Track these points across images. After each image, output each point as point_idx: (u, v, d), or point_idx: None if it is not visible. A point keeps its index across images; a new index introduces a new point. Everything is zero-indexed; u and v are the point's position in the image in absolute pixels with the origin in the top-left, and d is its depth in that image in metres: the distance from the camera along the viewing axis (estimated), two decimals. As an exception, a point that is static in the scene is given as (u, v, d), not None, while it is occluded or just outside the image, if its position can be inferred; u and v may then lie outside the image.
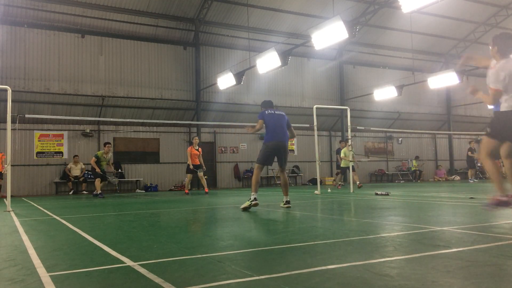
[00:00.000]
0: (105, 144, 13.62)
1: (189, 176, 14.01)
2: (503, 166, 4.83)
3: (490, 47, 4.66)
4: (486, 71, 4.62)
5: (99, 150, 15.82)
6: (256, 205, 6.85)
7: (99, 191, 12.97)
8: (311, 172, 21.61)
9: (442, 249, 3.26)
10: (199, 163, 13.79)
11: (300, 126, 19.92)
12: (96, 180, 13.18)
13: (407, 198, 9.29)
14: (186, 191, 13.96)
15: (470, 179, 19.25)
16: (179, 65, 19.22)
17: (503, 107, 4.39)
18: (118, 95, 17.82)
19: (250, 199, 6.90)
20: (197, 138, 14.43)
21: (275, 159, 7.31)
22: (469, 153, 19.54)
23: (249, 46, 18.47)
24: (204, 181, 14.00)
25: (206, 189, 13.90)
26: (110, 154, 13.87)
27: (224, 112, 19.79)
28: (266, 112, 7.27)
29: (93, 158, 13.33)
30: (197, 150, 13.82)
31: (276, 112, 7.32)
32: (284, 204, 7.24)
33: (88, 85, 17.35)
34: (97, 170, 13.11)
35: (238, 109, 20.17)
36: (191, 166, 13.64)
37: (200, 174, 13.80)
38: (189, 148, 14.01)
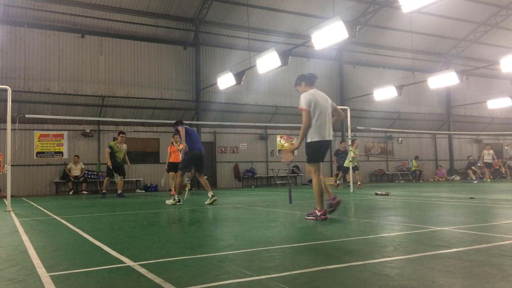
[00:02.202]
0: (119, 133, 12.78)
1: (173, 174, 12.95)
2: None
3: (297, 88, 5.76)
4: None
5: (106, 147, 14.97)
6: (179, 205, 8.39)
7: (104, 191, 12.92)
8: (311, 172, 21.57)
9: (442, 249, 3.26)
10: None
11: (300, 126, 19.94)
12: (106, 179, 13.03)
13: (407, 198, 9.29)
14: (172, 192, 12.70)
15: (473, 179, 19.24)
16: (179, 65, 19.21)
17: (309, 138, 5.52)
18: (118, 95, 17.82)
19: (175, 199, 8.59)
20: (176, 135, 12.90)
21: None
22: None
23: (249, 46, 18.47)
24: (173, 182, 12.68)
25: (172, 191, 12.46)
26: (125, 146, 12.88)
27: (224, 112, 19.78)
28: (186, 127, 8.76)
29: (107, 149, 12.62)
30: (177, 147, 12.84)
31: (193, 128, 9.28)
32: (210, 199, 8.54)
33: (88, 85, 17.35)
34: (109, 163, 12.41)
35: (238, 109, 20.17)
36: (166, 166, 13.23)
37: (172, 174, 12.81)
38: (169, 147, 13.18)
